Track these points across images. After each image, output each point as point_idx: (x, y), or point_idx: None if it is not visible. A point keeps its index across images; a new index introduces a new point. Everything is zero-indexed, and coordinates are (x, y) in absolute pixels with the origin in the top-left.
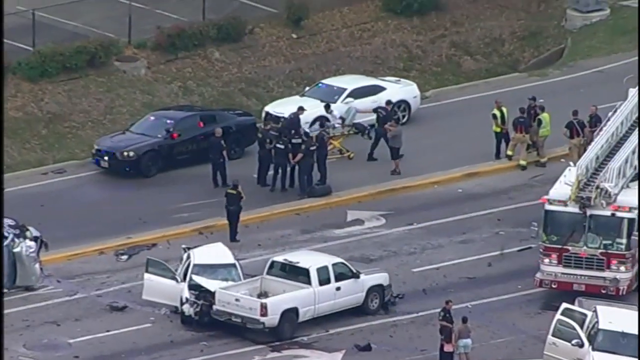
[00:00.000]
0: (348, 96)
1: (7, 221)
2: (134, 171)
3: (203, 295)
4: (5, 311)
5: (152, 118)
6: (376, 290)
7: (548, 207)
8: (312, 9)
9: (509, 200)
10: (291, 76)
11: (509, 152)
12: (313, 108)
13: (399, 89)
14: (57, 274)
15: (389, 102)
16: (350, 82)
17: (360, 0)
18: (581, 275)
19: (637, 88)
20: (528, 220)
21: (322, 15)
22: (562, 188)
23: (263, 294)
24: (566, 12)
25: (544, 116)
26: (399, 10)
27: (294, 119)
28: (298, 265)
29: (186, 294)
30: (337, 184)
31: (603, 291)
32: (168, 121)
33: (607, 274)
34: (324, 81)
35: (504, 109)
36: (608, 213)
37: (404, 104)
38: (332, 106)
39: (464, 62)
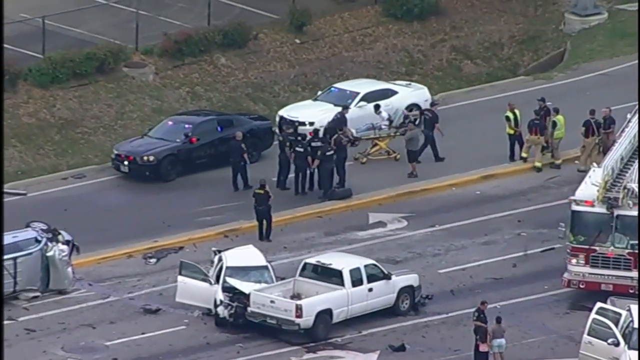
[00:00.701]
0: (361, 100)
1: (39, 225)
2: (153, 175)
3: (237, 297)
4: (41, 314)
5: (170, 123)
6: (407, 291)
7: (575, 207)
8: (314, 14)
9: (527, 201)
10: (296, 81)
11: (524, 154)
12: (327, 112)
13: (410, 93)
14: (87, 278)
15: (433, 104)
16: (362, 86)
17: (361, 6)
18: (609, 275)
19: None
20: (548, 221)
21: (324, 21)
22: (589, 189)
23: (296, 296)
24: (564, 16)
25: (559, 118)
26: (399, 15)
27: (341, 118)
28: (331, 266)
29: (220, 296)
30: (355, 187)
31: (631, 291)
32: (186, 126)
33: (634, 273)
34: (336, 85)
35: (517, 112)
36: (635, 213)
37: (415, 108)
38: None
39: (465, 66)
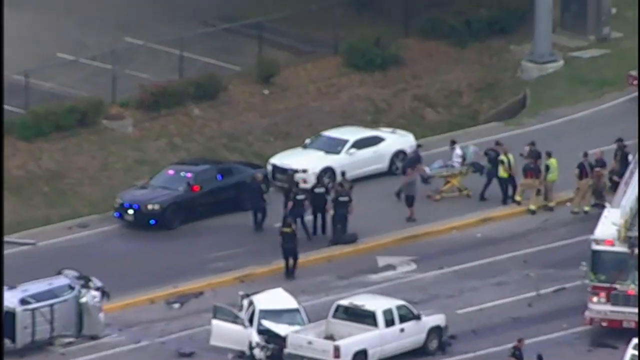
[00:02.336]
0: (352, 147)
1: (71, 272)
2: (158, 224)
3: (273, 339)
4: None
5: (170, 172)
6: (435, 331)
7: (595, 247)
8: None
9: (528, 243)
10: (269, 131)
11: (518, 198)
12: (319, 159)
13: (397, 139)
14: (115, 323)
15: (498, 143)
16: (351, 133)
17: (321, 57)
18: (630, 313)
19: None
20: (553, 261)
21: (288, 72)
22: (607, 228)
23: (329, 337)
24: (521, 64)
25: (552, 162)
26: (361, 65)
27: (415, 156)
28: (364, 308)
29: (256, 338)
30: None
31: None
32: (187, 174)
33: None
34: (324, 133)
35: (510, 155)
36: None
37: (402, 154)
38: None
39: (427, 114)
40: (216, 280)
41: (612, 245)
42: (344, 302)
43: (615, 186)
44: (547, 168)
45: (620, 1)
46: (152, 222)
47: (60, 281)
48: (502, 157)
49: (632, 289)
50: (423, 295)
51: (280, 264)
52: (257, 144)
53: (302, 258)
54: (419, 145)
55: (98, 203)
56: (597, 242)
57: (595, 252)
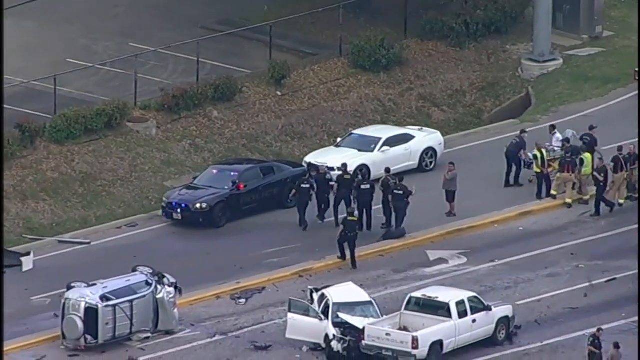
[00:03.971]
0: (384, 145)
1: (145, 269)
2: (206, 222)
3: (349, 331)
4: (157, 354)
5: (214, 171)
6: (503, 321)
7: None
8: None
9: (571, 235)
10: (285, 131)
11: (554, 192)
12: (353, 157)
13: (425, 137)
14: (186, 319)
15: (591, 127)
16: (381, 131)
17: (327, 58)
18: None
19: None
20: (599, 253)
21: (297, 74)
22: None
23: (403, 329)
24: (521, 63)
25: (587, 156)
26: (367, 66)
27: (520, 141)
28: (437, 300)
29: (332, 331)
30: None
31: None
32: (232, 173)
33: None
34: (355, 132)
35: (544, 151)
36: None
37: (431, 151)
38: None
39: (433, 113)
40: (276, 276)
41: None
42: (417, 294)
43: None
44: (582, 162)
45: (604, 2)
46: (200, 220)
47: (138, 278)
48: (535, 152)
49: None
50: (480, 288)
51: (334, 259)
52: (275, 144)
53: (356, 253)
54: (523, 131)
55: (131, 203)
56: None
57: None
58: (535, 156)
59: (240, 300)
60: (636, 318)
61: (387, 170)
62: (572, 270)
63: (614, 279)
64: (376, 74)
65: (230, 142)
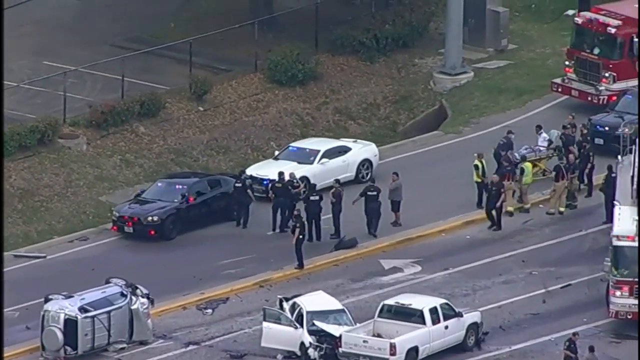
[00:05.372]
0: (323, 157)
1: (119, 281)
2: (157, 235)
3: (325, 339)
4: None
5: (161, 185)
6: (473, 327)
7: (617, 242)
8: None
9: (519, 243)
10: (210, 145)
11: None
12: (293, 170)
13: (361, 149)
14: (158, 329)
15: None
16: (318, 144)
17: (243, 74)
18: None
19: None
20: (549, 259)
21: (217, 89)
22: (625, 224)
23: (377, 336)
24: (433, 76)
25: (527, 165)
26: (284, 81)
27: (507, 142)
28: (411, 306)
29: (308, 339)
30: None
31: None
32: (180, 187)
33: None
34: (293, 144)
35: (484, 161)
36: None
37: (367, 163)
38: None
39: (350, 126)
40: (238, 286)
41: (633, 240)
42: (390, 301)
43: None
44: (522, 171)
45: None
46: (151, 233)
47: (113, 289)
48: (476, 162)
49: None
50: (439, 295)
51: (292, 269)
52: (202, 158)
53: (310, 264)
54: (510, 132)
55: (69, 218)
56: (619, 238)
57: (617, 248)
58: (476, 166)
59: (207, 311)
60: (599, 322)
61: (337, 181)
62: (526, 276)
63: (569, 285)
64: (292, 88)
65: (159, 157)
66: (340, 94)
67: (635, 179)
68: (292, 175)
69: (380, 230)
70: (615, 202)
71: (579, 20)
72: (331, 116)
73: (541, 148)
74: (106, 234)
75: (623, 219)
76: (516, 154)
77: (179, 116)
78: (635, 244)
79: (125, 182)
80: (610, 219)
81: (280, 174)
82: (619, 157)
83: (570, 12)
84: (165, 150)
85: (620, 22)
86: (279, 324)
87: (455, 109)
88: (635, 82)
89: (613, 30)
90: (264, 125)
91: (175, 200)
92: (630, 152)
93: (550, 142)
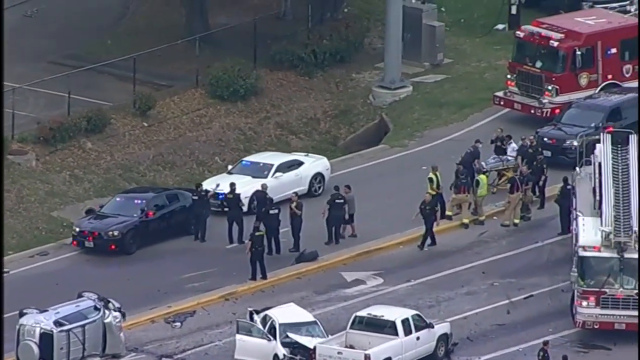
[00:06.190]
0: (276, 171)
1: (92, 295)
2: (118, 249)
3: (298, 351)
4: None
5: (120, 199)
6: (443, 338)
7: (583, 253)
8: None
9: (477, 255)
10: (156, 161)
11: (449, 213)
12: (248, 184)
13: (313, 163)
14: (128, 343)
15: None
16: (271, 158)
17: (185, 89)
18: (620, 315)
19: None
20: (509, 271)
21: (160, 105)
22: (592, 235)
23: (349, 347)
24: (372, 90)
25: (482, 178)
26: (225, 96)
27: (474, 151)
28: (383, 318)
29: (282, 351)
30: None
31: None
32: (139, 201)
33: None
34: (245, 159)
35: (438, 174)
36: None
37: (319, 177)
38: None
39: (292, 141)
40: (204, 299)
41: (599, 251)
42: (362, 313)
43: None
44: (477, 183)
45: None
46: (111, 248)
47: (86, 303)
48: (430, 175)
49: (620, 292)
50: (405, 307)
51: (258, 283)
52: (149, 173)
53: (273, 276)
54: (478, 141)
55: (23, 234)
56: (585, 248)
57: (583, 259)
58: (430, 179)
59: (176, 324)
60: (565, 332)
61: (296, 194)
62: (488, 288)
63: (532, 295)
64: (234, 103)
65: (107, 173)
66: (281, 109)
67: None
68: (264, 186)
69: (338, 243)
70: (578, 213)
71: (520, 34)
72: (273, 131)
73: (509, 158)
74: (66, 249)
75: (588, 230)
76: (483, 163)
77: (124, 132)
78: (601, 254)
79: (75, 197)
80: (566, 230)
81: (232, 185)
82: (577, 168)
83: (500, 26)
84: (112, 165)
85: (562, 36)
86: (251, 336)
87: (396, 123)
88: (577, 95)
89: (556, 44)
90: (208, 141)
91: (135, 215)
92: (587, 164)
93: (525, 151)
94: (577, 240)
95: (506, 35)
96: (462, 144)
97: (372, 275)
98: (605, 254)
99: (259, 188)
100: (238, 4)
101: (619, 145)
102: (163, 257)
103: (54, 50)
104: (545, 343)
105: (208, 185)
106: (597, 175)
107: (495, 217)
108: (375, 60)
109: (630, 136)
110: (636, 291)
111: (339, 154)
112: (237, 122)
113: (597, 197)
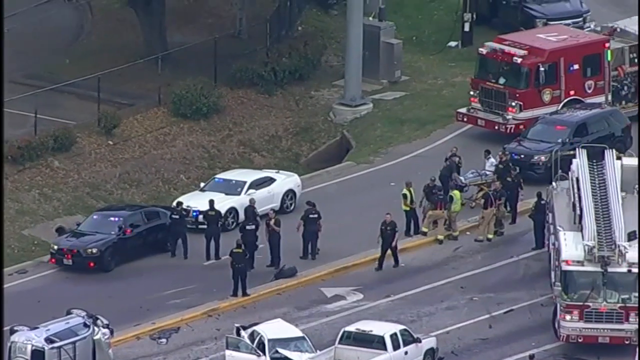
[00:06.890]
0: (249, 188)
1: (80, 312)
2: (97, 266)
3: None
4: None
5: (97, 217)
6: (430, 353)
7: (566, 267)
8: None
9: (453, 270)
10: (123, 179)
11: (424, 229)
12: (222, 201)
13: (285, 180)
14: (116, 359)
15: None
16: (244, 175)
17: (147, 108)
18: (604, 329)
19: None
20: (487, 285)
21: (124, 124)
22: (574, 250)
23: None
24: (333, 107)
25: (455, 193)
26: (188, 114)
27: (451, 164)
28: (372, 333)
29: None
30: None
31: (627, 342)
32: (115, 219)
33: (627, 326)
34: (218, 176)
35: (412, 189)
36: (624, 270)
37: (291, 193)
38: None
39: (254, 158)
40: (187, 316)
41: (582, 265)
42: (350, 328)
43: None
44: (451, 199)
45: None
46: (90, 265)
47: (76, 320)
48: (404, 191)
49: (603, 306)
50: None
51: (239, 299)
52: (116, 191)
53: (254, 293)
54: (454, 155)
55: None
56: (568, 262)
57: (567, 273)
58: (404, 195)
59: (161, 340)
60: (548, 346)
61: (273, 210)
62: (468, 302)
63: (512, 310)
64: (197, 121)
65: (75, 191)
66: (243, 127)
67: (615, 197)
68: (252, 201)
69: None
70: (558, 228)
71: (483, 50)
72: (236, 148)
73: (487, 172)
74: (44, 267)
75: (569, 244)
76: (462, 178)
77: (90, 150)
78: (585, 268)
79: (45, 215)
80: (540, 245)
81: (211, 202)
82: (553, 183)
83: (453, 43)
84: (80, 184)
85: (525, 52)
86: (239, 351)
87: (359, 140)
88: (541, 111)
89: (519, 60)
90: (173, 158)
91: (112, 232)
92: (562, 179)
93: (497, 167)
94: (558, 255)
95: (459, 53)
96: (428, 160)
97: (352, 290)
98: (588, 267)
99: (248, 203)
100: (192, 22)
101: (594, 161)
102: (142, 274)
103: (13, 70)
104: (532, 357)
105: (186, 202)
106: (575, 190)
107: (468, 233)
108: (333, 78)
109: (605, 151)
110: (619, 305)
111: (302, 172)
112: (201, 140)
113: (578, 212)
